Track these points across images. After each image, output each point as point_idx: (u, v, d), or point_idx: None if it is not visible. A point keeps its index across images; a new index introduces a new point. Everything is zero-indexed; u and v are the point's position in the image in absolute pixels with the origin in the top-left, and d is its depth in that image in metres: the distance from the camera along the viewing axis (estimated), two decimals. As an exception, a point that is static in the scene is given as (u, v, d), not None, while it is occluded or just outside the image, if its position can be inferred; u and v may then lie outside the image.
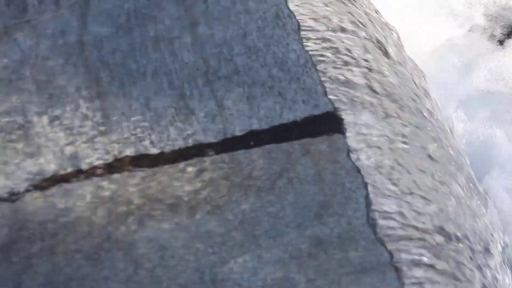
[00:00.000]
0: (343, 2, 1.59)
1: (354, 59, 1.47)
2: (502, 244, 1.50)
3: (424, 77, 1.69)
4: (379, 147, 1.34)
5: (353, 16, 1.55)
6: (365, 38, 1.52)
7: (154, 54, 1.41)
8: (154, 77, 1.38)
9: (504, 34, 2.37)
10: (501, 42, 2.32)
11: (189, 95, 1.36)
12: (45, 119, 1.34)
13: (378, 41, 1.53)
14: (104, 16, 1.46)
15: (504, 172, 1.86)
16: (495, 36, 2.36)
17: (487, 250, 1.39)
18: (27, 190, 1.25)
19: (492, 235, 1.44)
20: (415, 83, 1.54)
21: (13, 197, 1.25)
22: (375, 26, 1.57)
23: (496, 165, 1.88)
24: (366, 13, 1.59)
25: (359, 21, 1.55)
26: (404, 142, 1.39)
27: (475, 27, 2.35)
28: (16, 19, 1.46)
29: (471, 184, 1.53)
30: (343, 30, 1.51)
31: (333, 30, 1.48)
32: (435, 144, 1.47)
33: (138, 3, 1.48)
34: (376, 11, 1.67)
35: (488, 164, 1.89)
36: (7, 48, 1.41)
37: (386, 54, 1.52)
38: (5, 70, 1.40)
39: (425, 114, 1.52)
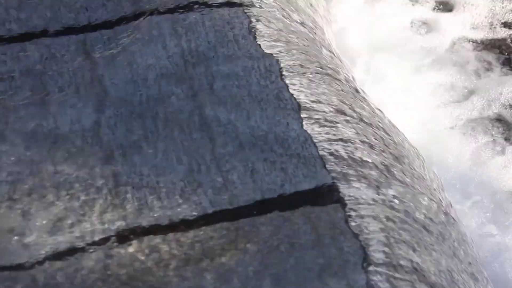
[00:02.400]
0: (341, 88, 1.72)
1: (349, 139, 1.57)
2: None
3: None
4: (375, 216, 1.42)
5: (348, 99, 1.67)
6: (360, 119, 1.63)
7: (164, 133, 1.52)
8: (164, 154, 1.49)
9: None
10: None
11: (197, 170, 1.46)
12: (62, 192, 1.43)
13: (368, 120, 1.64)
14: (119, 102, 1.58)
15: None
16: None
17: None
18: (47, 258, 1.33)
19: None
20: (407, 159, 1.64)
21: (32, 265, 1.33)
22: (370, 110, 1.69)
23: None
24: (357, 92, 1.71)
25: (354, 105, 1.67)
26: (399, 211, 1.47)
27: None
28: (38, 105, 1.59)
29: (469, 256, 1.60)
30: (340, 112, 1.62)
31: (331, 112, 1.59)
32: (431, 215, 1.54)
33: (150, 90, 1.61)
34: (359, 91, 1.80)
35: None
36: (29, 129, 1.54)
37: (378, 129, 1.63)
38: (27, 150, 1.51)
39: (422, 189, 1.60)
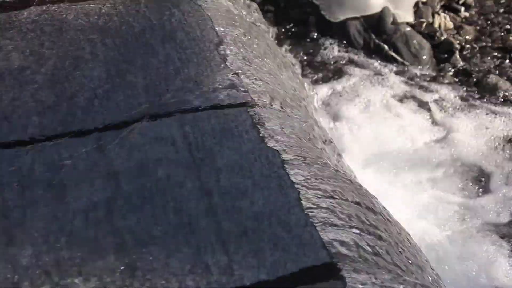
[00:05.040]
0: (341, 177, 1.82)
1: (348, 222, 1.66)
2: None
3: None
4: (375, 292, 1.49)
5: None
6: (357, 203, 1.73)
7: (174, 219, 1.62)
8: (173, 238, 1.58)
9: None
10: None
11: (204, 252, 1.55)
12: (79, 278, 1.51)
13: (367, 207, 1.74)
14: (131, 193, 1.69)
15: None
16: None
17: None
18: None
19: None
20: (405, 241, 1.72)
21: None
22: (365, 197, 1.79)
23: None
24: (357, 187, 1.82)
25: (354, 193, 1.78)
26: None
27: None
28: (55, 198, 1.70)
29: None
30: (336, 199, 1.72)
31: (329, 197, 1.69)
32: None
33: (160, 182, 1.72)
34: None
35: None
36: (46, 220, 1.64)
37: (372, 211, 1.72)
38: (44, 242, 1.60)
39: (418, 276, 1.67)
